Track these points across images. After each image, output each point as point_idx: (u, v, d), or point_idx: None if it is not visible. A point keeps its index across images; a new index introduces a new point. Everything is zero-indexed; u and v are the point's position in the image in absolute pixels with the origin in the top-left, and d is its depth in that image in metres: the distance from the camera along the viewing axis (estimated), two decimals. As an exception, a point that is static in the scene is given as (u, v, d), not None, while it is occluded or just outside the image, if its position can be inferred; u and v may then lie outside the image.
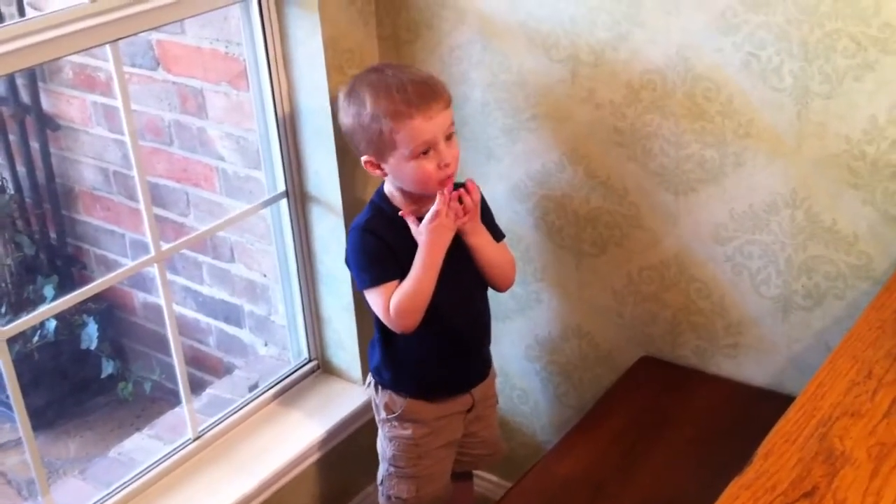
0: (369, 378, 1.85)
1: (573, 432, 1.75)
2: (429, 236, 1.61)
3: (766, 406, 1.39)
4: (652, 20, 1.64)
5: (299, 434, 2.04)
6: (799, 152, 1.57)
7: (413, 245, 1.63)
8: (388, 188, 1.70)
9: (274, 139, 1.97)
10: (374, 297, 1.66)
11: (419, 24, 1.91)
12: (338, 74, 1.89)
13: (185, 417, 1.97)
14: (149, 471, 1.90)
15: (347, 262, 1.73)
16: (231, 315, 2.58)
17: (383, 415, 1.80)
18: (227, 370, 2.53)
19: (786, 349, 1.73)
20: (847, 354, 1.19)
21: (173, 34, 2.31)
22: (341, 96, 1.66)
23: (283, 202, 2.03)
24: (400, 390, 1.77)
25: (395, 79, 1.60)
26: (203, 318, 2.66)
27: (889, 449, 1.03)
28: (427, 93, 1.59)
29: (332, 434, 2.08)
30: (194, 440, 1.98)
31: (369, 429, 2.19)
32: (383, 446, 1.84)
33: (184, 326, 2.65)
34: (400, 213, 1.65)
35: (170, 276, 2.60)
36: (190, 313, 2.68)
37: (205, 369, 2.69)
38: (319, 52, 1.86)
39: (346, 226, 2.01)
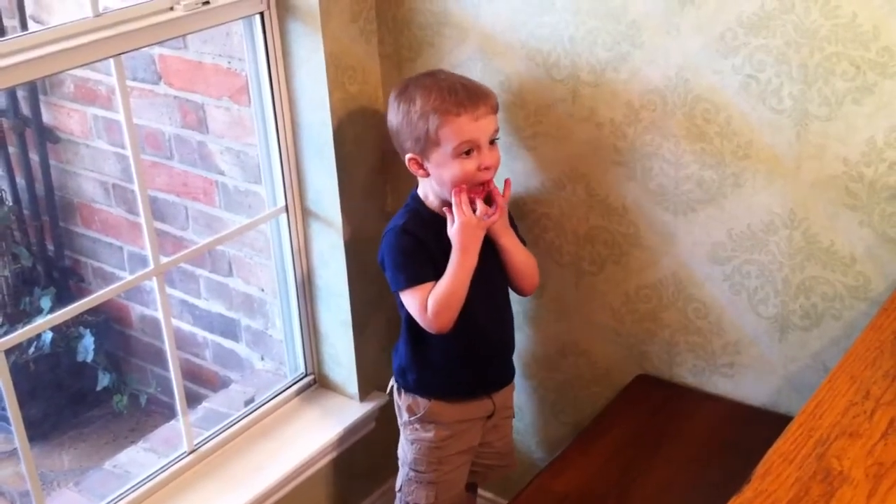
0: (391, 382, 1.89)
1: (569, 450, 1.75)
2: (460, 235, 1.66)
3: (764, 425, 1.39)
4: (651, 41, 1.65)
5: (295, 449, 2.04)
6: (797, 174, 1.58)
7: (447, 247, 1.68)
8: (423, 190, 1.75)
9: (274, 154, 1.98)
10: (410, 298, 1.70)
11: (421, 42, 1.93)
12: (339, 91, 1.90)
13: (181, 431, 1.97)
14: (143, 483, 1.90)
15: (382, 263, 1.76)
16: (228, 329, 2.58)
17: (406, 417, 1.84)
18: (223, 384, 2.53)
19: (783, 369, 1.73)
20: (845, 375, 1.19)
21: (175, 49, 2.32)
22: (392, 96, 1.72)
23: (283, 217, 2.03)
24: (424, 392, 1.81)
25: (447, 81, 1.67)
26: (200, 332, 2.66)
27: (887, 469, 1.03)
28: (476, 95, 1.65)
29: (328, 449, 2.07)
30: (189, 454, 1.98)
31: (365, 443, 2.19)
32: (404, 450, 1.87)
33: (180, 340, 2.65)
34: (444, 208, 1.70)
35: (167, 290, 2.60)
36: (187, 327, 2.68)
37: (201, 383, 2.69)
38: (321, 68, 1.87)
39: (346, 241, 2.02)
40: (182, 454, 1.98)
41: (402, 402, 1.85)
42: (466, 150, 1.63)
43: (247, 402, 2.18)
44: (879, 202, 1.51)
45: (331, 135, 1.92)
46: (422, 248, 1.70)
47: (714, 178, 1.68)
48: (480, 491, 2.18)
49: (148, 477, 1.92)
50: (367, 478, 2.26)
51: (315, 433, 2.08)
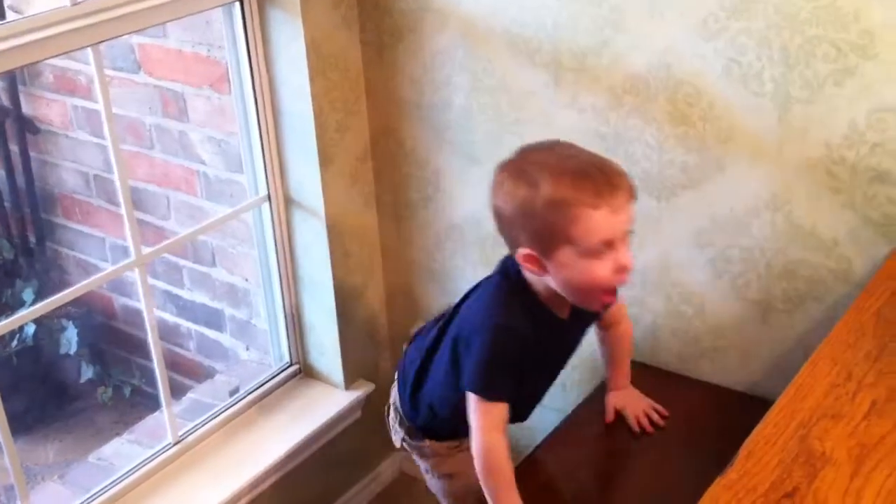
0: (401, 437, 1.72)
1: (555, 436, 1.75)
2: None
3: (748, 409, 1.39)
4: (634, 26, 1.65)
5: (280, 438, 2.04)
6: (780, 157, 1.58)
7: (548, 347, 1.45)
8: (531, 275, 1.43)
9: (256, 143, 1.97)
10: (480, 409, 1.42)
11: (402, 28, 1.92)
12: (320, 79, 1.89)
13: (165, 422, 1.96)
14: (128, 475, 1.89)
15: (464, 342, 1.46)
16: (212, 319, 2.57)
17: (418, 460, 1.73)
18: (207, 375, 2.52)
19: (767, 352, 1.74)
20: (827, 357, 1.19)
21: (155, 37, 2.30)
22: (503, 174, 1.39)
23: (265, 206, 2.02)
24: (427, 438, 1.68)
25: (576, 160, 1.35)
26: (183, 323, 2.65)
27: (869, 450, 1.03)
28: (615, 181, 1.33)
29: (313, 438, 2.07)
30: (174, 445, 1.97)
31: (351, 433, 2.19)
32: (433, 485, 1.76)
33: (164, 331, 2.63)
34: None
35: (150, 281, 2.58)
36: (170, 318, 2.66)
37: (185, 374, 2.68)
38: (302, 56, 1.86)
39: (329, 230, 2.01)
40: (167, 445, 1.97)
41: (412, 443, 1.70)
42: (600, 249, 1.32)
43: (231, 393, 2.17)
44: (861, 184, 1.52)
45: (312, 123, 1.91)
46: (519, 352, 1.42)
47: (697, 162, 1.68)
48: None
49: (132, 469, 1.91)
50: (354, 466, 2.26)
51: (300, 423, 2.08)
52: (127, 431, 2.20)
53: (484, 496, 1.47)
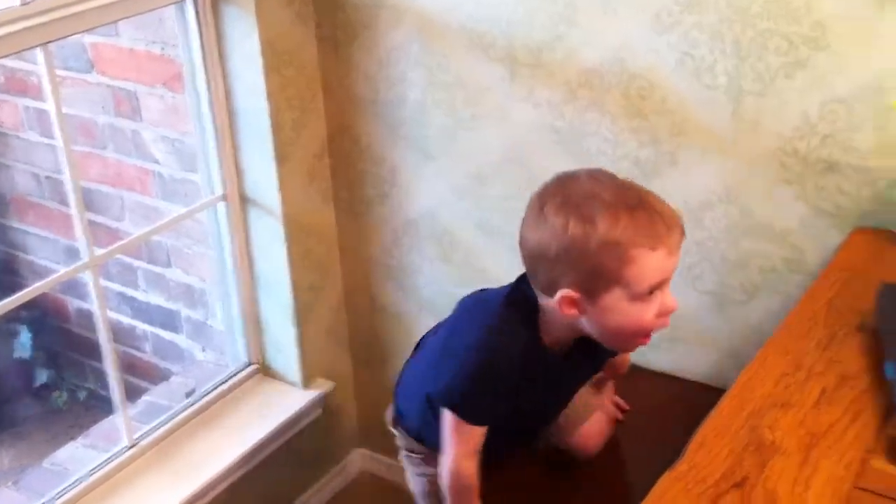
0: (390, 413, 1.62)
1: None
2: None
3: (705, 399, 1.39)
4: (588, 21, 1.65)
5: (238, 439, 2.02)
6: (733, 149, 1.59)
7: (537, 384, 1.34)
8: (547, 314, 1.30)
9: (210, 142, 1.95)
10: (456, 430, 1.34)
11: (357, 24, 1.90)
12: (275, 76, 1.88)
13: (120, 425, 1.93)
14: (84, 480, 1.87)
15: (449, 352, 1.39)
16: (167, 320, 2.54)
17: (405, 453, 1.62)
18: (164, 377, 2.49)
19: (723, 343, 1.75)
20: (778, 346, 1.20)
21: (107, 36, 2.27)
22: (546, 206, 1.23)
23: (221, 205, 2.00)
24: (429, 445, 1.53)
25: (631, 194, 1.22)
26: (139, 325, 2.62)
27: (818, 438, 1.04)
28: (672, 220, 1.21)
29: (271, 438, 2.06)
30: (130, 448, 1.95)
31: (310, 432, 2.18)
32: (413, 483, 1.65)
33: (119, 333, 2.60)
34: None
35: (105, 283, 2.55)
36: (126, 319, 2.63)
37: (142, 376, 2.65)
38: (256, 53, 1.84)
39: (286, 229, 2.00)
40: (122, 449, 1.95)
41: (402, 441, 1.60)
42: (650, 292, 1.21)
43: (188, 394, 2.15)
44: (813, 176, 1.53)
45: (268, 120, 1.89)
46: (506, 387, 1.31)
47: (651, 156, 1.68)
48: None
49: (88, 473, 1.88)
50: (314, 465, 2.25)
51: (258, 422, 2.06)
52: (82, 436, 2.16)
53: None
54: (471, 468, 1.37)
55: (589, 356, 1.37)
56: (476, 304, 1.41)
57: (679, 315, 1.74)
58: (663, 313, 1.23)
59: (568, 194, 1.22)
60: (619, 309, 1.20)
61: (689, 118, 1.62)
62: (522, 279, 1.33)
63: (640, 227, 1.18)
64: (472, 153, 1.89)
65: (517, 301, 1.31)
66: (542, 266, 1.24)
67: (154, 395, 2.27)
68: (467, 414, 1.32)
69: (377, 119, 1.97)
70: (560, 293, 1.22)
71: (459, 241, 1.98)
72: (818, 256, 1.56)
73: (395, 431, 1.59)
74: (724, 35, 1.53)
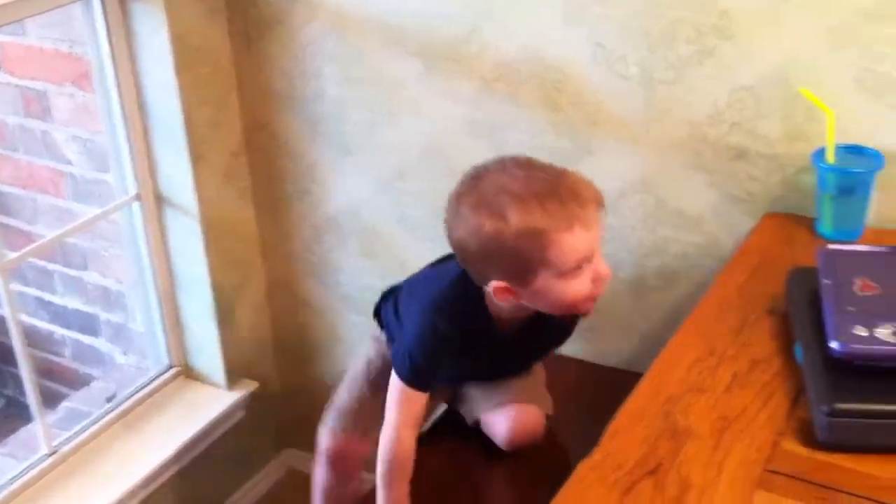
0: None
1: (439, 423, 1.75)
2: None
3: (625, 386, 1.41)
4: (501, 13, 1.65)
5: (161, 443, 1.99)
6: (647, 138, 1.61)
7: (485, 349, 1.40)
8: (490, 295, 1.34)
9: (122, 141, 1.91)
10: (402, 397, 1.38)
11: (271, 19, 1.88)
12: (187, 73, 1.84)
13: (39, 433, 1.89)
14: (2, 490, 1.82)
15: (402, 327, 1.46)
16: (87, 324, 2.48)
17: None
18: (84, 382, 2.44)
19: (643, 329, 1.77)
20: (691, 332, 1.22)
21: (14, 35, 2.21)
22: (462, 207, 1.27)
23: (135, 205, 1.96)
24: None
25: (538, 181, 1.25)
26: (57, 329, 2.56)
27: (730, 422, 1.06)
28: (583, 194, 1.25)
29: (195, 441, 2.03)
30: (49, 456, 1.90)
31: (235, 433, 2.15)
32: None
33: (37, 338, 2.54)
34: None
35: (20, 287, 2.49)
36: (43, 325, 2.57)
37: (61, 382, 2.58)
38: (166, 50, 1.81)
39: (203, 228, 1.96)
40: (42, 457, 1.90)
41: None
42: (579, 266, 1.25)
43: (108, 399, 2.11)
44: (723, 162, 1.55)
45: (181, 118, 1.86)
46: (451, 349, 1.37)
47: (568, 147, 1.69)
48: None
49: (6, 483, 1.84)
50: (240, 467, 2.22)
51: (181, 426, 2.03)
52: (0, 444, 2.11)
53: None
54: (409, 440, 1.39)
55: (545, 328, 1.41)
56: (441, 271, 1.45)
57: (599, 303, 1.77)
58: (597, 280, 1.28)
59: (480, 192, 1.25)
60: (551, 288, 1.25)
61: (603, 109, 1.63)
62: None
63: (553, 213, 1.21)
64: (391, 148, 1.88)
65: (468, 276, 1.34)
66: (469, 260, 1.29)
67: (74, 401, 2.22)
68: (413, 381, 1.36)
69: (295, 115, 1.95)
70: (492, 284, 1.27)
71: (380, 235, 1.97)
72: (731, 242, 1.59)
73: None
74: (634, 26, 1.54)
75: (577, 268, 1.25)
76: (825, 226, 1.42)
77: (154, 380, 2.11)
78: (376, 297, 2.02)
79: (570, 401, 1.73)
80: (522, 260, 1.23)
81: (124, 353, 2.42)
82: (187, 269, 2.02)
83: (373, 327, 1.63)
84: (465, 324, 1.36)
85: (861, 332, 1.04)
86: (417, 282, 1.52)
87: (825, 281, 1.14)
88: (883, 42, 1.38)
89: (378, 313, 1.61)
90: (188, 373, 2.15)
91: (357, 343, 2.12)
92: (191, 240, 1.98)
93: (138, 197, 1.95)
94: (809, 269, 1.20)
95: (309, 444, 2.32)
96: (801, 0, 1.41)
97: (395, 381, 1.39)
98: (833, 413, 0.99)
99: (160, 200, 1.97)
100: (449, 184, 1.82)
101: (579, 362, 1.82)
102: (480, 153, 1.76)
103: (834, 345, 1.03)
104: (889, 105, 1.41)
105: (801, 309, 1.16)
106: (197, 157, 1.90)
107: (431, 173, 1.85)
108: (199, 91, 1.88)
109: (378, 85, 1.83)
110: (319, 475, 1.70)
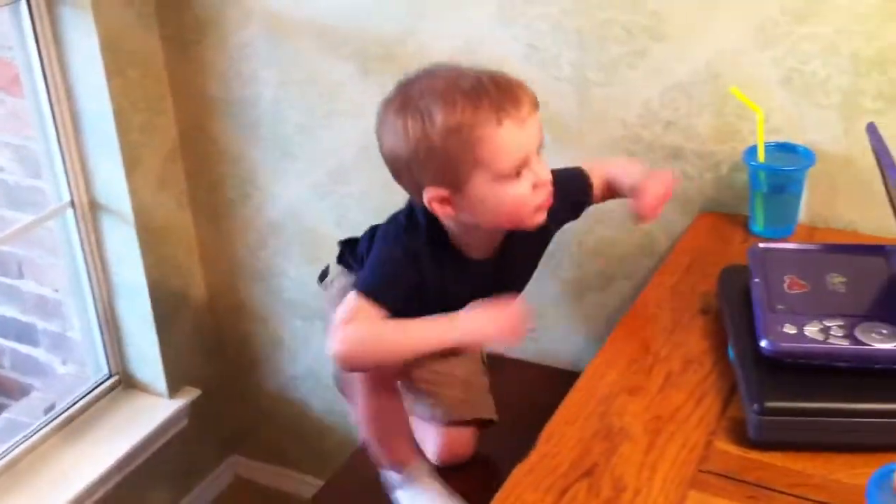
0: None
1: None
2: (466, 336, 1.21)
3: (569, 387, 1.41)
4: (436, 14, 1.65)
5: (102, 454, 1.95)
6: (582, 139, 1.61)
7: (449, 290, 1.26)
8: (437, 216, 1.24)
9: (55, 147, 1.87)
10: (353, 303, 1.21)
11: (205, 22, 1.85)
12: (118, 78, 1.81)
13: (-26, 447, 1.85)
14: (-65, 508, 1.78)
15: (364, 252, 1.35)
16: (24, 334, 2.44)
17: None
18: (23, 392, 2.39)
19: (583, 330, 1.78)
20: (626, 332, 1.22)
21: (-58, 40, 2.16)
22: (387, 112, 1.21)
23: (70, 212, 1.93)
24: None
25: (466, 79, 1.18)
26: (-6, 340, 2.51)
27: (664, 423, 1.06)
28: (515, 92, 1.18)
29: (137, 451, 2.00)
30: (-13, 469, 1.86)
31: (179, 442, 2.12)
32: None
33: (-26, 349, 2.49)
34: None
35: (-45, 298, 2.44)
36: (-21, 335, 2.51)
37: (1, 393, 2.53)
38: (97, 54, 1.77)
39: (140, 234, 1.93)
40: (-21, 471, 1.86)
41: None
42: (516, 170, 1.17)
43: (47, 410, 2.07)
44: (658, 162, 1.56)
45: (113, 124, 1.83)
46: (412, 281, 1.24)
47: (506, 147, 1.69)
48: (295, 473, 2.17)
49: (-60, 499, 1.80)
50: (185, 475, 2.20)
51: (123, 436, 2.00)
52: (-65, 460, 2.06)
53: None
54: (362, 327, 1.20)
55: (521, 252, 1.31)
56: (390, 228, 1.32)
57: (542, 303, 1.78)
58: (538, 186, 1.18)
59: (405, 96, 1.19)
60: (490, 193, 1.17)
61: (540, 109, 1.63)
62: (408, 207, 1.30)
63: (479, 107, 1.14)
64: (330, 151, 1.87)
65: (413, 217, 1.28)
66: (401, 172, 1.22)
67: (13, 412, 2.19)
68: (369, 290, 1.21)
69: (232, 119, 1.93)
70: (427, 194, 1.19)
71: (323, 239, 1.95)
72: (668, 241, 1.60)
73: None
74: (567, 26, 1.54)
75: (515, 172, 1.16)
76: (758, 224, 1.43)
77: (94, 389, 2.08)
78: (321, 302, 2.01)
79: (514, 403, 1.73)
80: (453, 160, 1.15)
81: (63, 363, 2.38)
82: (125, 276, 1.99)
83: (338, 272, 1.48)
84: (431, 246, 1.25)
85: (790, 329, 1.05)
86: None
87: (755, 279, 1.15)
88: (809, 41, 1.40)
89: (341, 259, 1.49)
90: (129, 381, 2.12)
91: (302, 347, 2.11)
92: (128, 246, 1.95)
93: (72, 204, 1.92)
94: (741, 267, 1.21)
95: (255, 451, 2.31)
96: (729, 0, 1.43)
97: (352, 295, 1.22)
98: (764, 411, 1.00)
99: (95, 207, 1.94)
100: (389, 186, 1.82)
101: (524, 363, 1.82)
102: (418, 155, 1.77)
103: (763, 343, 1.04)
104: (817, 103, 1.43)
105: (732, 308, 1.17)
106: (131, 163, 1.87)
107: (370, 175, 1.84)
108: (131, 96, 1.85)
109: (315, 87, 1.82)
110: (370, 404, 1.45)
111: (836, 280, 1.14)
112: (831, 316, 1.06)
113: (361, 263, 1.37)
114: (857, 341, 1.02)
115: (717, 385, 1.11)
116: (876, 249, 1.19)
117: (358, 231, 1.90)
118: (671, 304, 1.28)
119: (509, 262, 1.31)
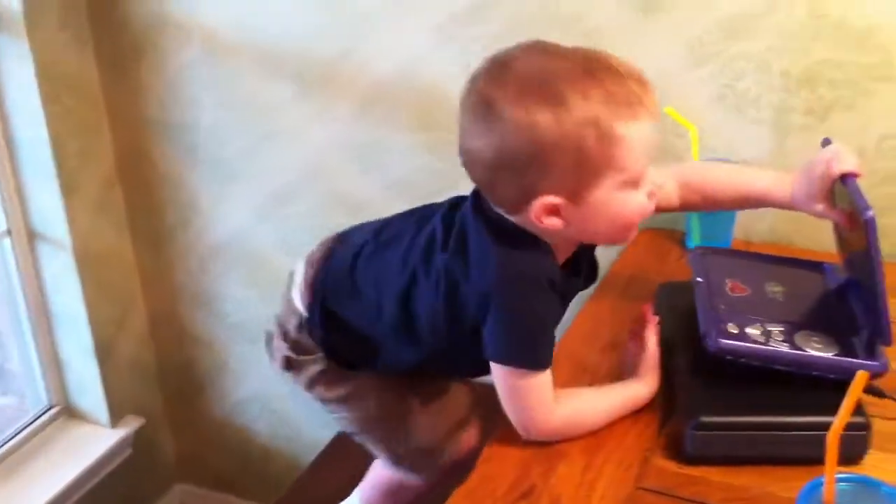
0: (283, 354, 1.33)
1: (327, 450, 1.74)
2: (653, 390, 1.10)
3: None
4: (376, 35, 1.65)
5: (43, 487, 1.92)
6: (522, 158, 1.62)
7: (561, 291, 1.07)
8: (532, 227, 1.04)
9: (-10, 174, 1.84)
10: (533, 384, 1.04)
11: (142, 45, 1.84)
12: (54, 104, 1.79)
13: None
14: None
15: (482, 315, 1.05)
16: (-38, 366, 2.39)
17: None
18: (-38, 426, 2.34)
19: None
20: (565, 351, 1.22)
21: None
22: (496, 99, 0.99)
23: (6, 241, 1.90)
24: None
25: (593, 60, 0.99)
26: (-68, 372, 2.45)
27: (602, 441, 1.06)
28: (644, 79, 0.99)
29: (79, 482, 1.96)
30: (-77, 506, 1.82)
31: (122, 472, 2.09)
32: None
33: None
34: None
35: None
36: (-83, 368, 2.45)
37: (-61, 427, 2.47)
38: (32, 81, 1.75)
39: (78, 262, 1.90)
40: (-85, 507, 1.81)
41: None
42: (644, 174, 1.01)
43: (-14, 443, 2.02)
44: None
45: (49, 151, 1.80)
46: (558, 315, 1.08)
47: (446, 167, 1.69)
48: (240, 500, 2.15)
49: None
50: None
51: (64, 467, 1.96)
52: None
53: (391, 424, 1.30)
54: (565, 413, 1.06)
55: (583, 264, 1.14)
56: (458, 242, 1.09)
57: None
58: (652, 195, 1.03)
59: (520, 80, 0.98)
60: (611, 202, 1.00)
61: (480, 128, 1.63)
62: (474, 205, 1.09)
63: (615, 95, 0.96)
64: (271, 173, 1.86)
65: (502, 232, 1.05)
66: (506, 177, 1.00)
67: (-49, 447, 2.13)
68: (542, 362, 1.04)
69: (172, 143, 1.91)
70: (537, 202, 0.99)
71: (265, 263, 1.94)
72: (608, 259, 1.61)
73: (290, 362, 1.30)
74: (503, 45, 1.54)
75: (641, 175, 1.00)
76: (694, 240, 1.45)
77: (34, 421, 2.04)
78: (264, 326, 1.99)
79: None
80: (585, 158, 0.96)
81: (3, 394, 2.33)
82: (64, 304, 1.96)
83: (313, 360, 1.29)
84: (551, 265, 1.05)
85: (733, 329, 1.05)
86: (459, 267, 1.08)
87: (699, 279, 1.15)
88: (742, 58, 1.42)
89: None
90: (70, 412, 2.08)
91: (247, 372, 2.09)
92: (66, 274, 1.92)
93: (9, 232, 1.89)
94: (677, 283, 1.22)
95: (201, 478, 2.28)
96: (663, 18, 1.45)
97: (509, 372, 1.04)
98: (699, 427, 1.00)
99: (32, 235, 1.90)
100: (331, 207, 1.81)
101: (472, 384, 1.82)
102: (359, 175, 1.77)
103: (707, 340, 1.04)
104: (751, 119, 1.45)
105: (669, 323, 1.17)
106: (68, 190, 1.85)
107: (313, 197, 1.83)
108: (68, 122, 1.82)
109: (255, 109, 1.81)
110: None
111: (775, 289, 1.15)
112: (772, 320, 1.07)
113: (324, 343, 1.25)
114: (796, 347, 1.03)
115: (655, 401, 1.11)
116: (814, 265, 1.20)
117: (299, 252, 1.89)
118: (610, 320, 1.29)
119: (576, 275, 1.13)
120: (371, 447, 1.38)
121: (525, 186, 0.99)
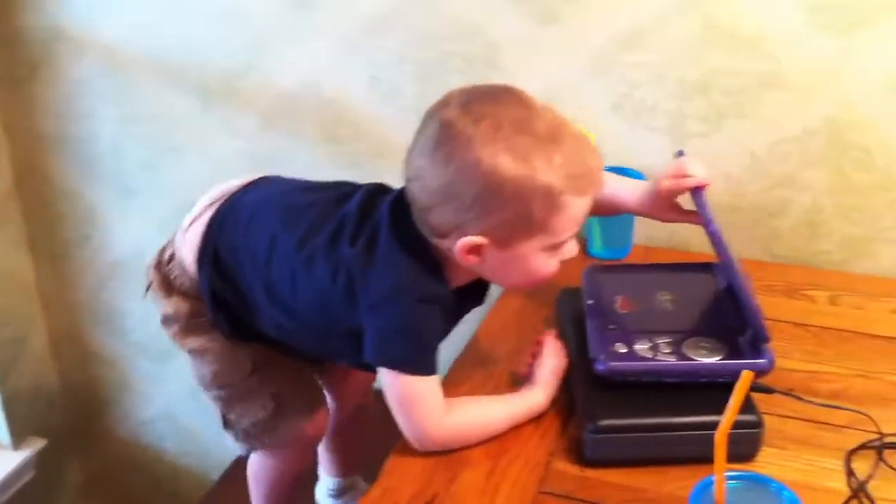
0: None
1: (236, 463, 1.71)
2: (550, 398, 1.13)
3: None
4: (278, 47, 1.64)
5: (-62, 515, 1.85)
6: (426, 168, 1.62)
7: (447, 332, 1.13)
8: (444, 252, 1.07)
9: None
10: (422, 388, 1.07)
11: (35, 59, 1.80)
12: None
13: None
14: None
15: (383, 333, 1.09)
16: None
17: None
18: None
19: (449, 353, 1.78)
20: (472, 357, 1.23)
21: None
22: (471, 137, 0.99)
23: None
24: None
25: (555, 126, 1.02)
26: None
27: (506, 445, 1.07)
28: (597, 156, 1.06)
29: (-23, 509, 1.90)
30: None
31: (25, 495, 2.03)
32: None
33: None
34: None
35: None
36: None
37: None
38: (-80, 94, 1.70)
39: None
40: None
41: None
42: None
43: None
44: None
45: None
46: (441, 330, 1.11)
47: (354, 179, 1.68)
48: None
49: None
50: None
51: (-39, 494, 1.90)
52: None
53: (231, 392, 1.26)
54: (458, 420, 1.09)
55: (473, 292, 1.17)
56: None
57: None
58: (562, 260, 1.08)
59: (495, 124, 0.99)
60: (531, 258, 1.04)
61: (387, 141, 1.64)
62: (393, 210, 1.11)
63: (577, 171, 1.00)
64: (174, 187, 1.83)
65: (412, 244, 1.07)
66: (445, 207, 1.02)
67: None
68: (430, 367, 1.07)
69: (69, 157, 1.87)
70: (466, 239, 1.02)
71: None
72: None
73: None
74: (408, 58, 1.56)
75: (566, 243, 1.06)
76: (595, 246, 1.47)
77: (-73, 446, 1.97)
78: (166, 344, 1.96)
79: (373, 434, 1.72)
80: (525, 218, 1.00)
81: None
82: (-42, 325, 1.90)
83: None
84: (440, 286, 1.08)
85: (621, 349, 1.08)
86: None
87: (589, 301, 1.17)
88: (637, 69, 1.45)
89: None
90: (-32, 436, 2.02)
91: (152, 389, 2.05)
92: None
93: None
94: (577, 289, 1.24)
95: (110, 499, 2.22)
96: (562, 30, 1.47)
97: (398, 378, 1.07)
98: (597, 430, 1.02)
99: (-78, 254, 1.84)
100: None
101: (378, 393, 1.81)
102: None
103: (596, 363, 1.07)
104: (648, 127, 1.48)
105: (569, 329, 1.19)
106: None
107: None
108: (-40, 136, 1.77)
109: (156, 123, 1.78)
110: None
111: (665, 298, 1.17)
112: (660, 333, 1.09)
113: (204, 285, 1.23)
114: (683, 356, 1.06)
115: (557, 405, 1.13)
116: (703, 267, 1.24)
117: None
118: (515, 326, 1.30)
119: (470, 291, 1.17)
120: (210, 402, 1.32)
121: (460, 221, 1.02)
